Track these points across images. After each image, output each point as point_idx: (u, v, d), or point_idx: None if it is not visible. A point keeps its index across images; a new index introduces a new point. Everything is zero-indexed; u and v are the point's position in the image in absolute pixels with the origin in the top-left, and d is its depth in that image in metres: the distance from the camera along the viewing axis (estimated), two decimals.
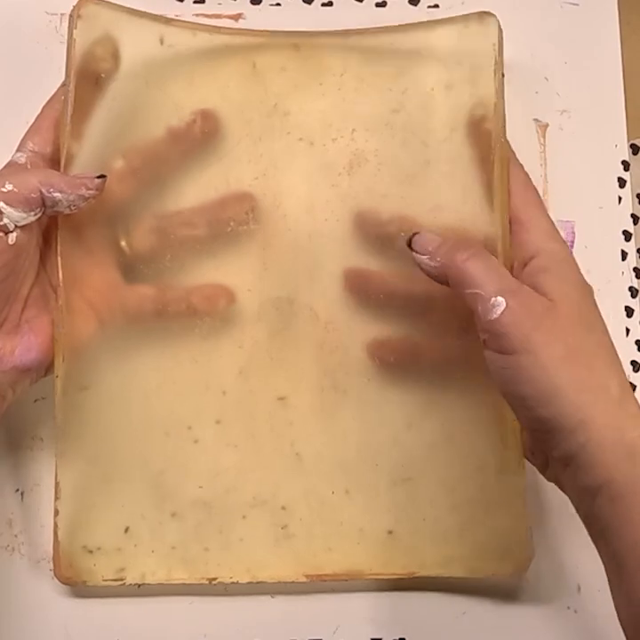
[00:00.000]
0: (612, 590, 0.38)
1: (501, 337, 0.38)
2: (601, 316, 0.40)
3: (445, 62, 0.47)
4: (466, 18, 0.47)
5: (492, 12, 0.46)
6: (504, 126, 0.46)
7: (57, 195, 0.41)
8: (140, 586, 0.45)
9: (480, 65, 0.46)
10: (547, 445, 0.39)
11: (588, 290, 0.41)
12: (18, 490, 0.46)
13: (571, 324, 0.39)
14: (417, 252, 0.42)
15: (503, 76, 0.46)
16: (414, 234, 0.43)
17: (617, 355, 0.40)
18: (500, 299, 0.38)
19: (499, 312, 0.38)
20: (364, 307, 0.46)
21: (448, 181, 0.46)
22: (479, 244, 0.43)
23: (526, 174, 0.45)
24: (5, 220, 0.40)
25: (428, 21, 0.48)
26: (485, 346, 0.40)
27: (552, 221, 0.44)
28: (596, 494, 0.37)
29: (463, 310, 0.41)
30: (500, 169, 0.45)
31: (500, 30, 0.47)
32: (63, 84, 0.45)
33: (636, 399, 0.39)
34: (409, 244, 0.43)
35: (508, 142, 0.46)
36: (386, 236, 0.46)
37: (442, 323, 0.46)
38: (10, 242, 0.40)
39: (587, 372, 0.38)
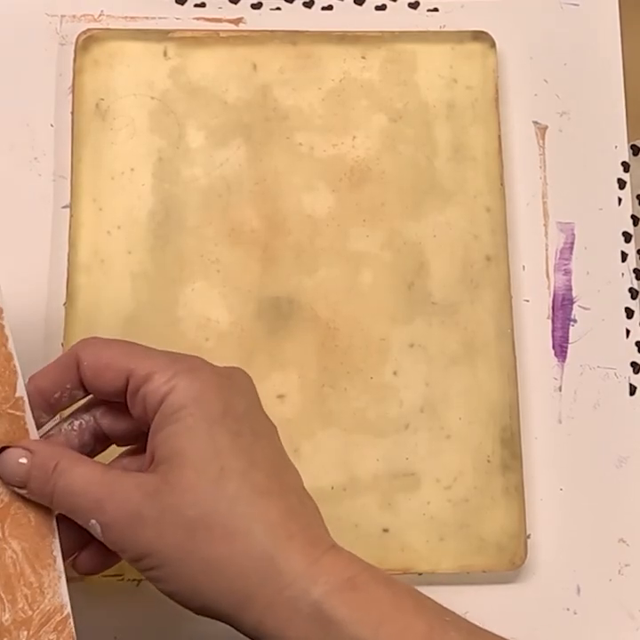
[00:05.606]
0: None
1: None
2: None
3: (445, 79, 0.49)
4: (461, 35, 0.49)
5: (486, 30, 0.49)
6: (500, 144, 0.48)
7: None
8: (139, 583, 0.45)
9: (477, 86, 0.49)
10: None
11: None
12: None
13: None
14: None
15: (497, 91, 0.49)
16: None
17: None
18: (93, 521, 0.34)
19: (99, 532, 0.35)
20: None
21: (449, 199, 0.48)
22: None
23: None
24: None
25: (426, 32, 0.50)
26: None
27: None
28: None
29: None
30: (499, 189, 0.48)
31: (495, 49, 0.49)
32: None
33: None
34: None
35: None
36: None
37: None
38: None
39: None
